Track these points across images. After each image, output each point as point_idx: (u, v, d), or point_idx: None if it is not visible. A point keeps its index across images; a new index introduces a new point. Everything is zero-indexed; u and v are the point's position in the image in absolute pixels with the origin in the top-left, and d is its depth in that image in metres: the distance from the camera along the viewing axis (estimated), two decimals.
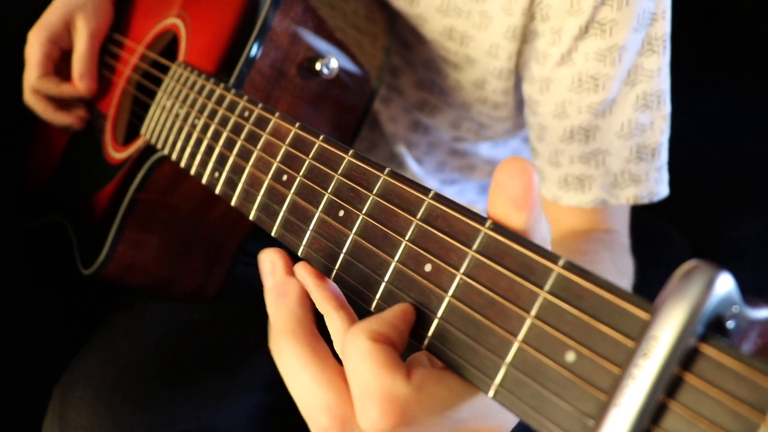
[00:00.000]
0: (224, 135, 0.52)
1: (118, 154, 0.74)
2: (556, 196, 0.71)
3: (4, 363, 0.83)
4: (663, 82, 0.65)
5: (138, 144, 0.70)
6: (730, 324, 0.26)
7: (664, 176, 0.70)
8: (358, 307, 0.38)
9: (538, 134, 0.70)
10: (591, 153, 0.67)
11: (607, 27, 0.62)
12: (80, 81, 0.80)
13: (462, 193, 0.92)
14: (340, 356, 0.34)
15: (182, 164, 0.57)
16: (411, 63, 0.78)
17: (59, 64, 0.82)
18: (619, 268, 0.66)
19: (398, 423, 0.30)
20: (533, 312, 0.29)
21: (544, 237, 0.33)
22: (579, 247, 0.66)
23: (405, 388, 0.30)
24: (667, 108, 0.66)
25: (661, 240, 0.95)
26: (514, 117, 0.78)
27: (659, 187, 0.69)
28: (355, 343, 0.31)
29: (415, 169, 0.87)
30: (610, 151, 0.67)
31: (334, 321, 0.37)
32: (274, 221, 0.43)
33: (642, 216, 0.76)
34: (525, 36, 0.67)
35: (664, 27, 0.63)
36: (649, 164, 0.67)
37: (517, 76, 0.72)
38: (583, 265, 0.28)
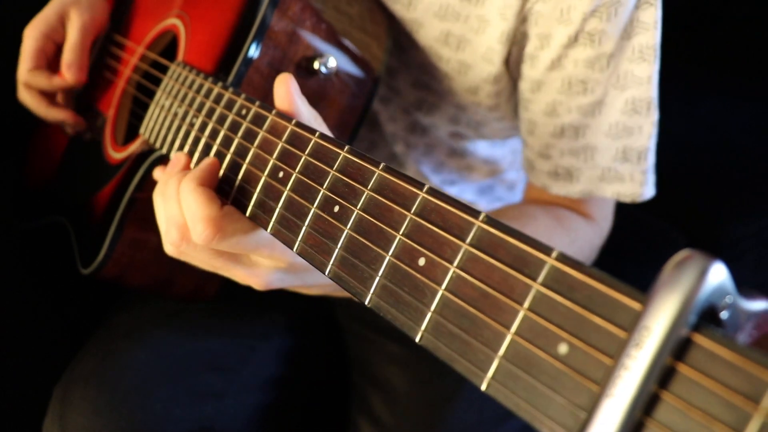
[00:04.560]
0: (221, 133, 0.52)
1: (117, 154, 0.74)
2: (546, 185, 0.73)
3: (4, 363, 0.83)
4: (652, 90, 0.67)
5: (137, 144, 0.70)
6: (723, 314, 0.26)
7: (650, 179, 0.71)
8: (357, 304, 0.38)
9: (529, 129, 0.72)
10: (580, 148, 0.69)
11: (596, 37, 0.63)
12: (68, 70, 0.80)
13: (461, 194, 0.92)
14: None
15: None
16: (407, 64, 0.78)
17: (54, 59, 0.82)
18: (550, 238, 0.67)
19: (215, 233, 0.46)
20: (526, 304, 0.29)
21: (307, 117, 0.49)
22: (525, 210, 0.70)
23: (219, 212, 0.47)
24: (655, 115, 0.68)
25: (661, 241, 0.95)
26: (511, 117, 0.79)
27: (644, 189, 0.70)
28: (188, 186, 0.48)
29: (415, 168, 0.87)
30: (598, 148, 0.69)
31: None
32: (270, 218, 0.43)
33: (641, 217, 0.76)
34: (515, 37, 0.68)
35: (654, 37, 0.65)
36: (634, 166, 0.69)
37: (510, 77, 0.72)
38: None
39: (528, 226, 0.66)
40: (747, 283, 0.27)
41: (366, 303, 0.36)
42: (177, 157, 0.55)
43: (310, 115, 0.50)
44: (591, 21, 0.63)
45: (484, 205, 0.93)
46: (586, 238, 0.73)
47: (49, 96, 0.83)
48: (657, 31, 0.64)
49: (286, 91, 0.49)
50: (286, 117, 0.46)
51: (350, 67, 0.66)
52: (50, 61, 0.82)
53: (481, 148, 0.88)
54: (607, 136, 0.68)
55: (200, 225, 0.46)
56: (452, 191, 0.91)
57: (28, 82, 0.81)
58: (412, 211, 0.34)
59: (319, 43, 0.64)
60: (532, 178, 0.75)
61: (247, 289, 0.84)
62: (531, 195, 0.78)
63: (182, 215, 0.49)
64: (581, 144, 0.69)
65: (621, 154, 0.68)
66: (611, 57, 0.64)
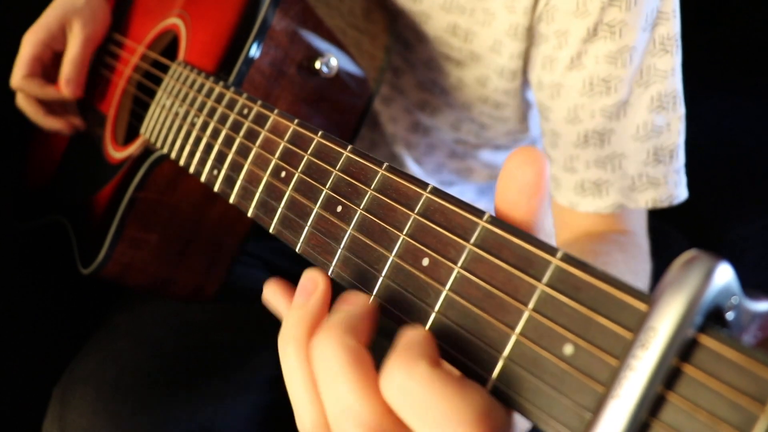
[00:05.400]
0: (223, 133, 0.52)
1: (118, 154, 0.74)
2: (573, 202, 0.70)
3: (4, 363, 0.83)
4: (677, 82, 0.64)
5: (138, 143, 0.70)
6: (729, 315, 0.26)
7: (683, 178, 0.68)
8: None
9: (552, 141, 0.69)
10: (607, 157, 0.66)
11: (617, 29, 0.61)
12: (66, 85, 0.79)
13: (461, 195, 0.92)
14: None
15: (181, 162, 0.57)
16: (412, 63, 0.78)
17: (51, 66, 0.82)
18: (633, 269, 0.65)
19: None
20: (531, 305, 0.29)
21: (549, 231, 0.32)
22: (592, 248, 0.65)
23: (486, 402, 0.28)
24: (682, 108, 0.65)
25: (661, 240, 0.94)
26: (516, 119, 0.78)
27: (678, 190, 0.67)
28: (417, 374, 0.27)
29: (414, 169, 0.87)
30: (626, 154, 0.66)
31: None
32: (272, 218, 0.43)
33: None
34: (532, 38, 0.67)
35: (675, 26, 0.62)
36: (668, 166, 0.66)
37: (524, 80, 0.72)
38: None
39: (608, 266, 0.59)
40: (747, 282, 0.27)
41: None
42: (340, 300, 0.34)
43: (550, 222, 0.32)
44: (610, 11, 0.60)
45: (484, 205, 0.93)
46: (643, 266, 0.68)
47: (46, 104, 0.83)
48: (677, 20, 0.62)
49: (539, 173, 0.30)
50: (288, 116, 0.46)
51: (351, 67, 0.66)
52: (47, 68, 0.82)
53: (483, 153, 0.88)
54: (636, 140, 0.65)
55: (472, 429, 0.27)
56: (451, 192, 0.91)
57: (21, 88, 0.80)
58: (416, 211, 0.34)
59: (320, 43, 0.64)
60: (558, 198, 0.71)
61: (247, 289, 0.85)
62: (558, 224, 0.73)
63: (381, 406, 0.29)
64: (607, 152, 0.66)
65: (653, 156, 0.65)
66: (633, 51, 0.62)
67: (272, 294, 0.38)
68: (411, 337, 0.30)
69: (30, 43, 0.79)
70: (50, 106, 0.84)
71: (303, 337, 0.32)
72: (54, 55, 0.82)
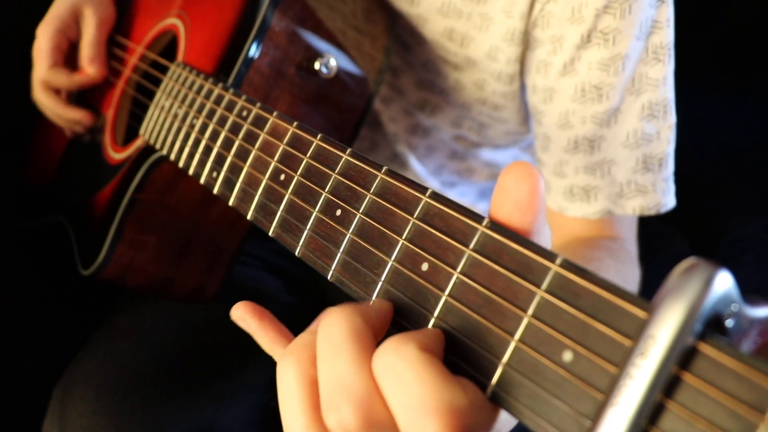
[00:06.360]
0: (222, 135, 0.52)
1: (117, 155, 0.74)
2: (562, 206, 0.70)
3: (4, 363, 0.83)
4: (668, 91, 0.64)
5: (137, 144, 0.70)
6: (729, 323, 0.26)
7: (671, 187, 0.68)
8: None
9: (543, 144, 0.70)
10: (596, 163, 0.67)
11: (610, 36, 0.61)
12: (90, 65, 0.79)
13: (462, 197, 0.92)
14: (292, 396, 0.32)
15: (180, 164, 0.57)
16: (410, 64, 0.78)
17: (68, 57, 0.82)
18: (624, 276, 0.66)
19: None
20: (530, 311, 0.29)
21: (546, 243, 0.32)
22: (583, 254, 0.66)
23: (465, 400, 0.28)
24: (673, 117, 0.65)
25: (660, 240, 0.94)
26: (516, 120, 0.78)
27: (666, 198, 0.68)
28: (404, 353, 0.28)
29: (417, 168, 0.87)
30: (615, 161, 0.66)
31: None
32: (272, 221, 0.43)
33: (641, 217, 0.76)
34: (527, 43, 0.67)
35: (668, 35, 0.63)
36: (656, 175, 0.66)
37: (522, 83, 0.72)
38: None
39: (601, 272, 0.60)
40: (747, 283, 0.27)
41: None
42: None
43: (548, 234, 0.33)
44: (604, 18, 0.61)
45: (485, 207, 0.93)
46: (633, 272, 0.69)
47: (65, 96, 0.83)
48: (670, 30, 0.63)
49: (533, 190, 0.30)
50: (288, 118, 0.45)
51: (350, 67, 0.66)
52: (66, 58, 0.82)
53: (483, 152, 0.88)
54: (625, 147, 0.65)
55: (435, 423, 0.27)
56: (452, 194, 0.91)
57: (48, 80, 0.79)
58: (415, 216, 0.34)
59: (319, 43, 0.64)
60: (548, 202, 0.72)
61: (247, 289, 0.85)
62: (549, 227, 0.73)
63: (371, 394, 0.29)
64: (597, 159, 0.66)
65: (641, 164, 0.66)
66: (626, 58, 0.62)
67: (239, 319, 0.40)
68: (414, 331, 0.31)
69: (46, 34, 0.79)
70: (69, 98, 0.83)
71: (307, 360, 0.32)
72: (69, 45, 0.81)
